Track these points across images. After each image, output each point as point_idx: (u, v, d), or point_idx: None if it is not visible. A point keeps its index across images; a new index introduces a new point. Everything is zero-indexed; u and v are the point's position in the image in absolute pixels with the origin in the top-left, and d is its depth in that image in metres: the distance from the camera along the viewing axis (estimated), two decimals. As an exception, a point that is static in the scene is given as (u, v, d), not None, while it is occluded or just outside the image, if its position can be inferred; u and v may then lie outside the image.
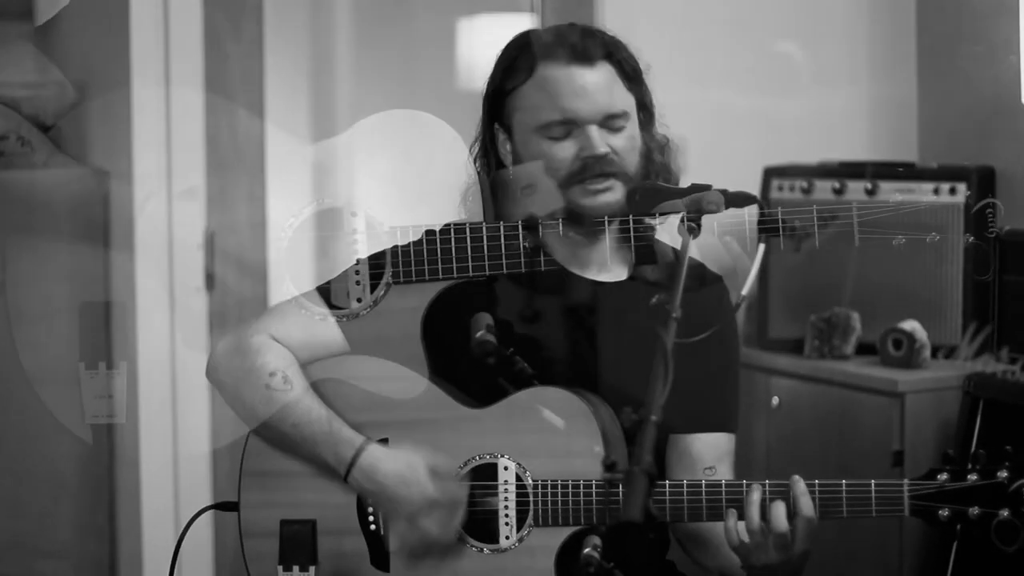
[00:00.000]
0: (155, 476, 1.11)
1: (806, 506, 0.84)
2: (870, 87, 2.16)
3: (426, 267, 0.86)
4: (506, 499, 0.96)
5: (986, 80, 1.97)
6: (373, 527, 0.98)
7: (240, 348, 0.96)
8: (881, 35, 2.16)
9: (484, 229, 0.89)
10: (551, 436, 0.95)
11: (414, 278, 0.87)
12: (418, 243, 0.87)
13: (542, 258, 0.90)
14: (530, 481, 0.95)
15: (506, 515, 0.95)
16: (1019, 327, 1.63)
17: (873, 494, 0.86)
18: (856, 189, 1.87)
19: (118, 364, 0.83)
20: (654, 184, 1.00)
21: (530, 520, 0.95)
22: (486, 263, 0.88)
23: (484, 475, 0.98)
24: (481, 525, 0.97)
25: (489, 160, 1.04)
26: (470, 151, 1.06)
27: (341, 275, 0.88)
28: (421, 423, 0.97)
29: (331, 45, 1.82)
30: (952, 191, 1.77)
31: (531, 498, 0.94)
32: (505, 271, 0.89)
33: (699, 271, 0.97)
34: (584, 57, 0.98)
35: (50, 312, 0.89)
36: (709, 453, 1.06)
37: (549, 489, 0.94)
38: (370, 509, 0.97)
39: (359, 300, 0.89)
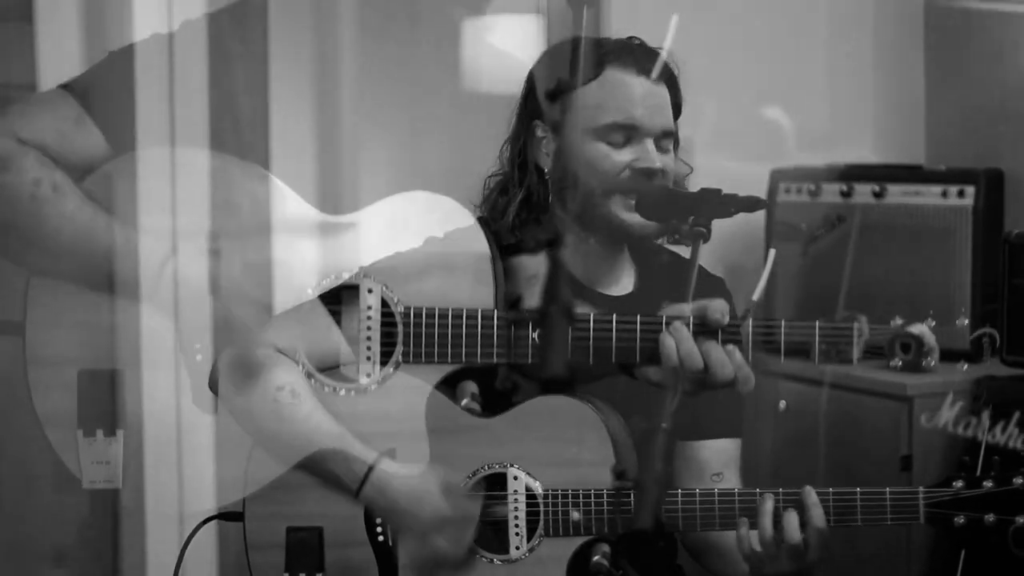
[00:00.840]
0: (160, 534, 1.09)
1: (818, 517, 0.84)
2: (876, 88, 2.14)
3: (436, 350, 0.85)
4: (516, 509, 0.95)
5: (994, 82, 1.95)
6: (381, 538, 0.96)
7: (245, 361, 0.93)
8: (888, 36, 2.15)
9: (495, 318, 0.87)
10: (561, 445, 0.94)
11: (423, 360, 0.86)
12: (430, 325, 0.86)
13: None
14: (540, 491, 0.94)
15: (516, 525, 0.94)
16: (1029, 331, 1.61)
17: (888, 502, 0.86)
18: (863, 192, 1.86)
19: (116, 431, 0.81)
20: (664, 188, 0.99)
21: (540, 530, 0.94)
22: (494, 350, 0.87)
23: (493, 485, 0.96)
24: (491, 535, 0.95)
25: (519, 159, 1.02)
26: (500, 151, 1.05)
27: (353, 347, 0.87)
28: (427, 433, 0.94)
29: (336, 49, 1.81)
30: (960, 194, 1.75)
31: (541, 508, 0.93)
32: (512, 360, 0.89)
33: (700, 275, 0.96)
34: (652, 72, 0.99)
35: (66, 359, 0.86)
36: (716, 459, 1.06)
37: (560, 499, 0.93)
38: (378, 520, 0.95)
39: (368, 375, 0.88)
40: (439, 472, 0.90)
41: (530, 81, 1.03)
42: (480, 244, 0.89)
